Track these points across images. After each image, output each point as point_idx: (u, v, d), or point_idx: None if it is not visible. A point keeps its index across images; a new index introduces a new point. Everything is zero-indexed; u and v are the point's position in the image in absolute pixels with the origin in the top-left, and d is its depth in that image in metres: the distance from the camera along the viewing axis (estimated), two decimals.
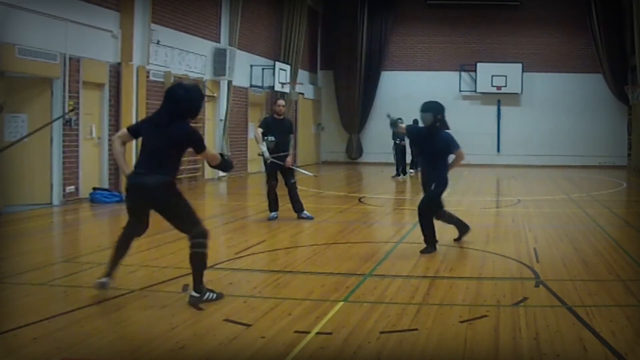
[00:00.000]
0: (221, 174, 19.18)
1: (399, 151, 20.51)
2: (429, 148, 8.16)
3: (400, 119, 20.87)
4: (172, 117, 5.59)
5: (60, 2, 12.37)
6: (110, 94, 14.07)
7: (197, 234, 5.66)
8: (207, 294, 5.64)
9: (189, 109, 5.68)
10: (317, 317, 5.24)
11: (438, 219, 8.36)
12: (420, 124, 8.31)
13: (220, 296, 5.70)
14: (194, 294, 5.59)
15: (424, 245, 8.03)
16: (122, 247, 5.84)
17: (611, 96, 26.55)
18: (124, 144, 5.83)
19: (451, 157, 8.34)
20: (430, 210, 8.15)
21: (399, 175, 20.48)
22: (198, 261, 5.62)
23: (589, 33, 26.21)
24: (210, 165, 6.18)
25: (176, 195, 5.67)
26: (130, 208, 5.86)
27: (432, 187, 8.08)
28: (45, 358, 4.32)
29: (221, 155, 6.27)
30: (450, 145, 8.14)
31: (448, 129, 8.23)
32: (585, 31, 26.38)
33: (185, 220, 5.68)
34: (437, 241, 8.10)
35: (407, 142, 20.83)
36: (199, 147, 5.72)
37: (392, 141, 20.45)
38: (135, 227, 5.86)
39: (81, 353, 4.43)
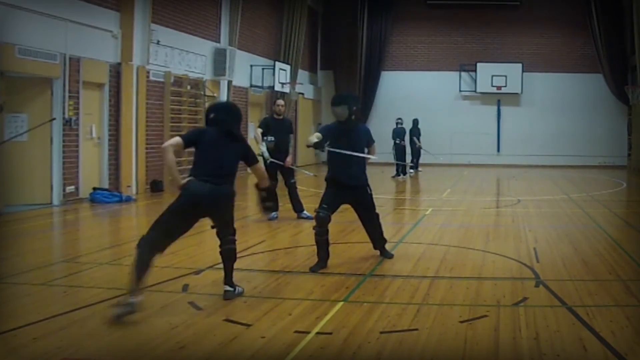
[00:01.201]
0: None
1: (399, 151, 20.54)
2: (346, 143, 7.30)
3: (399, 119, 21.08)
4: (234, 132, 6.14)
5: (60, 2, 12.37)
6: (110, 94, 14.08)
7: (234, 233, 6.13)
8: (237, 288, 5.92)
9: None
10: (317, 317, 5.24)
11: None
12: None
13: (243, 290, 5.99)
14: (228, 288, 5.82)
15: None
16: (146, 262, 5.44)
17: (611, 96, 26.55)
18: (176, 152, 6.01)
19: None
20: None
21: (399, 175, 20.50)
22: (234, 256, 6.03)
23: (589, 33, 26.22)
24: (258, 187, 6.56)
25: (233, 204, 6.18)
26: (186, 215, 5.85)
27: (369, 192, 7.51)
28: (45, 358, 4.32)
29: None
30: (369, 139, 7.56)
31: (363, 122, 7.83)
32: (585, 31, 26.39)
33: (231, 224, 6.12)
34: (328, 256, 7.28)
35: (407, 141, 20.94)
36: (253, 160, 6.34)
37: (392, 141, 20.49)
38: (164, 239, 5.70)
39: (81, 353, 4.43)
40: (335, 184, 7.35)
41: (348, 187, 7.32)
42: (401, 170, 20.54)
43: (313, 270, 6.95)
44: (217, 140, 6.03)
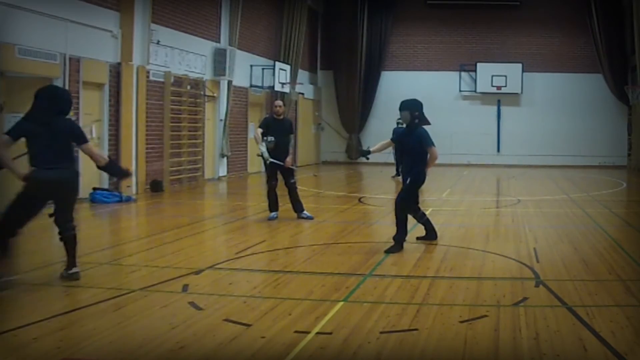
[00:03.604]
0: (221, 173, 19.20)
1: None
2: (407, 145, 8.39)
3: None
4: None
5: (60, 2, 12.36)
6: (110, 94, 14.07)
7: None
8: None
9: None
10: (317, 317, 5.24)
11: (410, 213, 8.44)
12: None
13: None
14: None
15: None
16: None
17: (611, 96, 26.55)
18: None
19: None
20: (406, 203, 8.28)
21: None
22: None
23: (589, 33, 26.21)
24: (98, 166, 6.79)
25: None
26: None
27: (408, 182, 8.32)
28: (45, 358, 4.32)
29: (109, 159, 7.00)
30: (423, 142, 8.29)
31: (428, 123, 8.47)
32: (585, 31, 26.38)
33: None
34: (405, 240, 8.15)
35: None
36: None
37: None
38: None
39: (81, 353, 4.43)
40: None
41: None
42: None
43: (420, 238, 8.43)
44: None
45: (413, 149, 8.31)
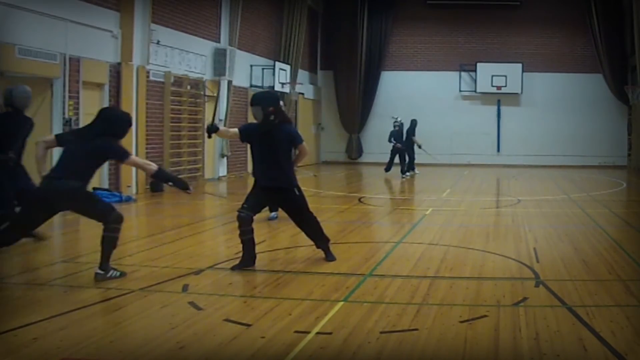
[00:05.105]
0: (221, 173, 19.20)
1: (394, 153, 20.62)
2: (267, 144, 7.14)
3: (396, 120, 21.14)
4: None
5: (60, 2, 12.36)
6: (110, 94, 14.07)
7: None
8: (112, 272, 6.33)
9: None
10: (317, 317, 5.24)
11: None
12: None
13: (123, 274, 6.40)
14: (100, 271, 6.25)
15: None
16: None
17: (611, 96, 26.55)
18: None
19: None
20: (314, 217, 7.42)
21: (405, 174, 20.60)
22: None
23: (589, 33, 26.22)
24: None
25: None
26: None
27: (297, 193, 7.29)
28: (45, 358, 4.32)
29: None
30: (294, 139, 7.29)
31: (288, 121, 7.51)
32: (585, 31, 26.39)
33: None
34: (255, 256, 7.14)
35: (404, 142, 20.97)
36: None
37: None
38: None
39: (81, 353, 4.43)
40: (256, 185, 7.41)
41: (268, 188, 7.19)
42: (407, 167, 20.47)
43: (234, 268, 6.83)
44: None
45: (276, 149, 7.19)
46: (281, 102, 7.39)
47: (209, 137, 7.68)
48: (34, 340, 4.63)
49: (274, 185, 7.16)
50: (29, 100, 8.30)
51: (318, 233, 7.47)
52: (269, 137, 7.07)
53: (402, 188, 18.37)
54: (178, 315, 5.30)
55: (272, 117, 7.05)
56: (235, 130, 7.38)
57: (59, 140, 6.59)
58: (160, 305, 5.61)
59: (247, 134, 7.29)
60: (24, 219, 6.53)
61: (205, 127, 8.87)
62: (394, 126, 20.64)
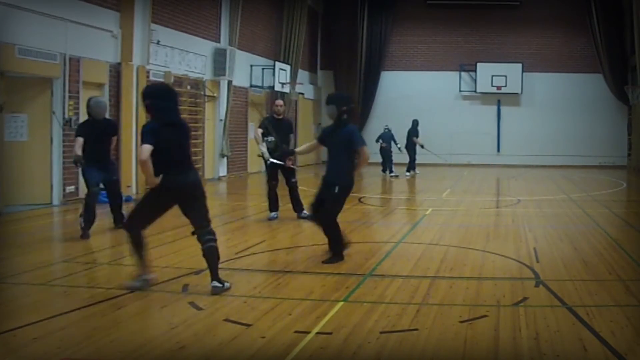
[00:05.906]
0: (221, 173, 19.20)
1: (382, 152, 21.26)
2: (333, 143, 7.52)
3: (387, 126, 21.78)
4: None
5: (60, 2, 12.37)
6: (110, 94, 14.07)
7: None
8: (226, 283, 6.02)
9: None
10: (317, 317, 5.24)
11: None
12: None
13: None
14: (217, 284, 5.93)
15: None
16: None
17: (611, 96, 26.55)
18: None
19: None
20: (333, 216, 7.44)
21: (386, 172, 21.03)
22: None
23: (589, 33, 26.22)
24: None
25: None
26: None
27: (336, 190, 7.39)
28: (45, 358, 4.32)
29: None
30: (353, 141, 7.48)
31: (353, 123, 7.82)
32: (585, 31, 26.39)
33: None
34: (345, 248, 7.43)
35: (404, 143, 21.27)
36: None
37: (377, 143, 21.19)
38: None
39: (81, 353, 4.43)
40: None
41: (325, 182, 7.60)
42: (388, 169, 21.02)
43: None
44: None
45: (338, 147, 7.49)
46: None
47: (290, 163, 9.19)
48: (34, 340, 4.63)
49: (328, 179, 7.53)
50: (102, 109, 9.35)
51: (327, 231, 7.47)
52: (335, 135, 7.53)
53: (402, 188, 18.38)
54: (178, 315, 5.30)
55: (344, 117, 7.51)
56: (313, 142, 8.17)
57: (152, 141, 6.10)
58: (160, 305, 5.61)
59: (322, 138, 7.85)
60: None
61: (266, 155, 10.21)
62: (384, 130, 21.46)
